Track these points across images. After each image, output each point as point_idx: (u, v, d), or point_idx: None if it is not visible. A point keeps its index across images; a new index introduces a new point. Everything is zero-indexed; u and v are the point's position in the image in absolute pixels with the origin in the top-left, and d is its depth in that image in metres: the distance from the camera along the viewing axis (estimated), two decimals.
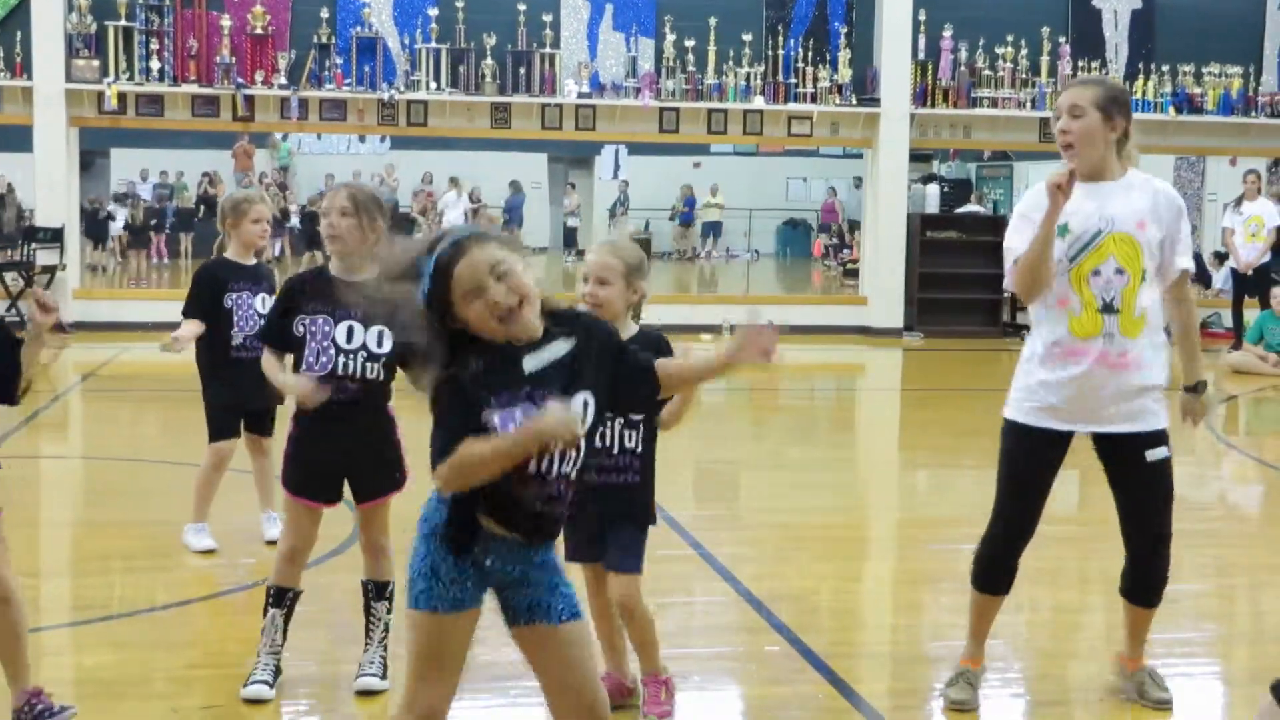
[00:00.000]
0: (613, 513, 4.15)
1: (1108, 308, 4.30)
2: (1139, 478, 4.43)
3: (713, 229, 31.89)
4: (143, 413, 11.00)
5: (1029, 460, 4.43)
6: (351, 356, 4.41)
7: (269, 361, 4.59)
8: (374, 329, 4.41)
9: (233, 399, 6.17)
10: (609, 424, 4.10)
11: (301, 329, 4.46)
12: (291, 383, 4.46)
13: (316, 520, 4.57)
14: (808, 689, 4.71)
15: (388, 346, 4.41)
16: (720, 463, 8.99)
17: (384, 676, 4.55)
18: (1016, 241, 4.36)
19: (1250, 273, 14.88)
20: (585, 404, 2.94)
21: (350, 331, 4.42)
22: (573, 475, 3.01)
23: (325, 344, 4.43)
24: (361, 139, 30.63)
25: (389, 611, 4.58)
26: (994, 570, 4.53)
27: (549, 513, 3.00)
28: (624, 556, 4.14)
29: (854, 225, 29.26)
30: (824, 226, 31.97)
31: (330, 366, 4.41)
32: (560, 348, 2.93)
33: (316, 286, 4.50)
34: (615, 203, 31.57)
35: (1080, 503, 7.69)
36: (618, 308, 4.09)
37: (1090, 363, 4.29)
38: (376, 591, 4.61)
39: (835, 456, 9.84)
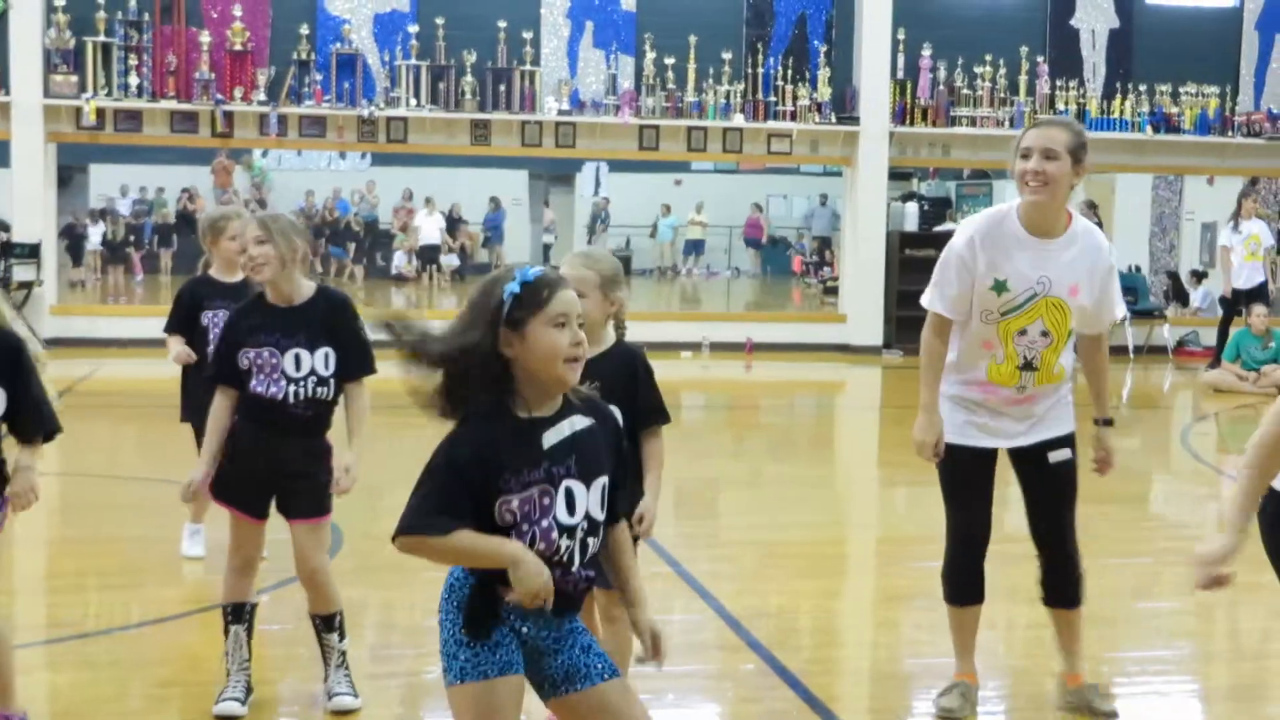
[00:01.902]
0: None
1: (1028, 365, 4.41)
2: (1042, 479, 4.52)
3: (695, 247, 31.92)
4: (119, 429, 10.94)
5: (963, 473, 4.52)
6: (301, 384, 4.45)
7: (220, 407, 4.51)
8: (320, 351, 4.45)
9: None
10: None
11: (246, 362, 4.46)
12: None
13: (259, 531, 4.58)
14: (781, 706, 4.72)
15: (334, 367, 4.46)
16: (699, 480, 8.99)
17: (356, 695, 4.54)
18: (939, 292, 4.42)
19: (1230, 293, 14.92)
20: (603, 489, 2.89)
21: (298, 359, 4.44)
22: (589, 567, 2.92)
23: (275, 375, 4.44)
24: (342, 155, 30.57)
25: (342, 639, 4.57)
26: (959, 581, 4.58)
27: (572, 592, 2.89)
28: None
29: (825, 242, 29.43)
30: (750, 241, 31.98)
31: (281, 396, 4.43)
32: (579, 422, 2.88)
33: (256, 319, 4.51)
34: (596, 219, 31.60)
35: None
36: (594, 319, 4.05)
37: (1000, 403, 4.47)
38: (324, 624, 4.57)
39: (814, 474, 9.86)
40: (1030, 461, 4.51)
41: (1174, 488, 9.65)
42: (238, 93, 15.38)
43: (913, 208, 18.47)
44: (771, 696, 4.80)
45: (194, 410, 5.98)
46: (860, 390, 15.06)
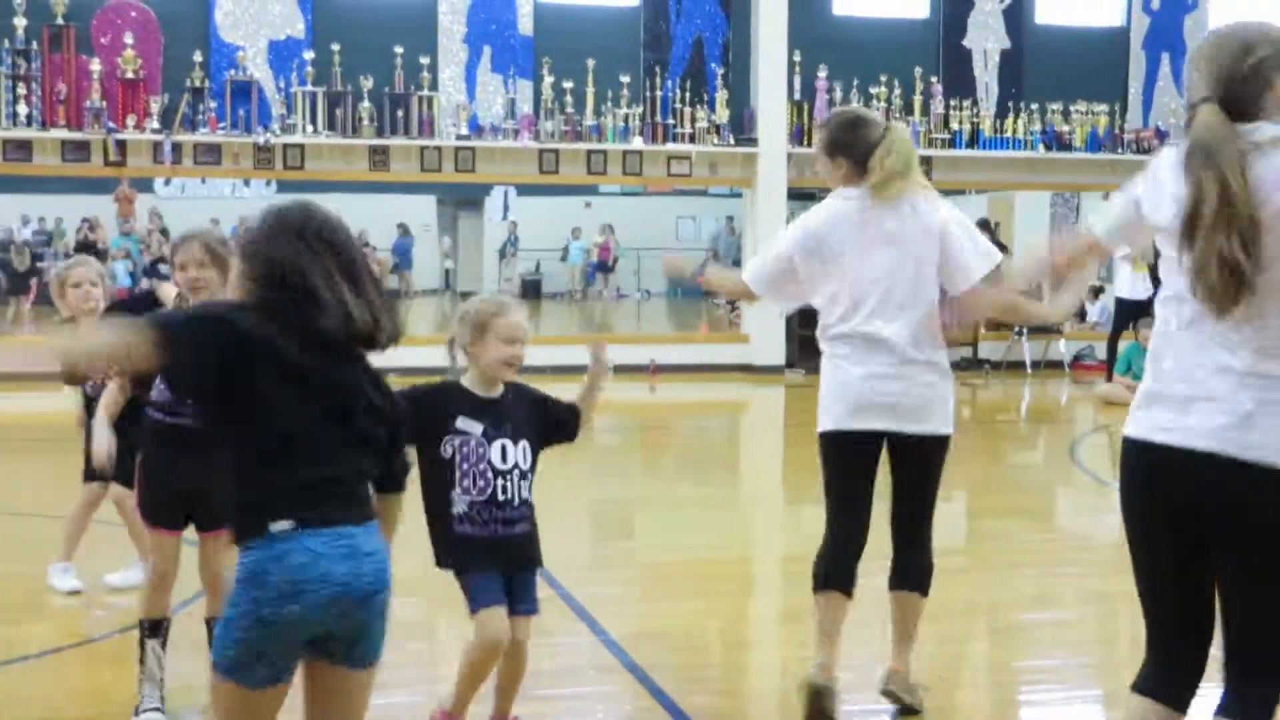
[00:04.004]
0: (519, 560, 4.27)
1: None
2: (913, 468, 4.67)
3: (603, 268, 31.98)
4: (14, 463, 10.72)
5: (847, 455, 4.68)
6: None
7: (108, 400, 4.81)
8: None
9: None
10: (509, 477, 4.18)
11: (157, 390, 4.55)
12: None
13: (178, 546, 4.64)
14: None
15: None
16: (604, 502, 8.98)
17: None
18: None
19: (1135, 304, 15.12)
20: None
21: None
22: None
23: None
24: (246, 183, 30.31)
25: None
26: (829, 567, 4.72)
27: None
28: (530, 601, 4.30)
29: (734, 264, 29.57)
30: (601, 265, 32.18)
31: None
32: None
33: None
34: (505, 244, 31.57)
35: (968, 535, 7.91)
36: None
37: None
38: None
39: (712, 495, 9.81)
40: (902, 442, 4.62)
41: (1071, 501, 9.80)
42: (130, 121, 15.20)
43: None
44: (645, 717, 4.81)
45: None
46: (764, 409, 15.15)
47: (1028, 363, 17.35)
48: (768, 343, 16.78)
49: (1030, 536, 8.16)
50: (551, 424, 4.36)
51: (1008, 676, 5.43)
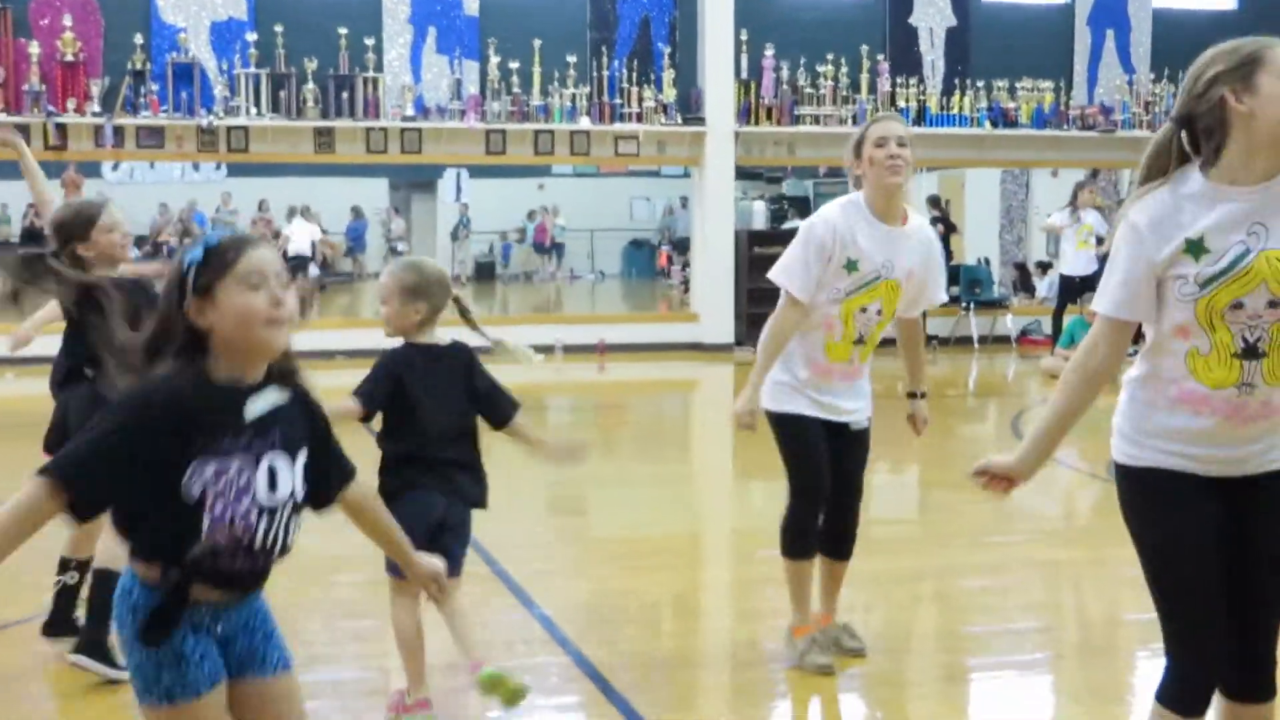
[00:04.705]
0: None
1: (859, 340, 4.90)
2: (847, 445, 4.99)
3: (555, 250, 31.93)
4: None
5: (804, 435, 4.92)
6: None
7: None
8: None
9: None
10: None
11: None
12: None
13: None
14: (577, 699, 4.78)
15: None
16: (551, 481, 8.92)
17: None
18: (799, 276, 4.78)
19: (1078, 280, 15.27)
20: (306, 463, 2.75)
21: None
22: (288, 540, 2.75)
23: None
24: (195, 166, 30.10)
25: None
26: (801, 534, 4.98)
27: (263, 571, 2.76)
28: (452, 560, 4.25)
29: (686, 243, 29.61)
30: (537, 245, 32.17)
31: None
32: (276, 396, 2.72)
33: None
34: (457, 225, 31.47)
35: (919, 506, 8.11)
36: (397, 324, 4.42)
37: (836, 379, 4.93)
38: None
39: (661, 472, 9.83)
40: (838, 431, 4.96)
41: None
42: (71, 104, 15.05)
43: (760, 206, 18.70)
44: (569, 690, 4.85)
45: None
46: (713, 387, 15.19)
47: (975, 338, 17.46)
48: (717, 321, 16.82)
49: (977, 507, 8.24)
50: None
51: (955, 642, 5.52)
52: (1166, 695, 3.11)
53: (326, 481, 2.88)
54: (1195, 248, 2.95)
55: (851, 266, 4.74)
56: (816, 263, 4.73)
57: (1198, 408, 3.02)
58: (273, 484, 2.66)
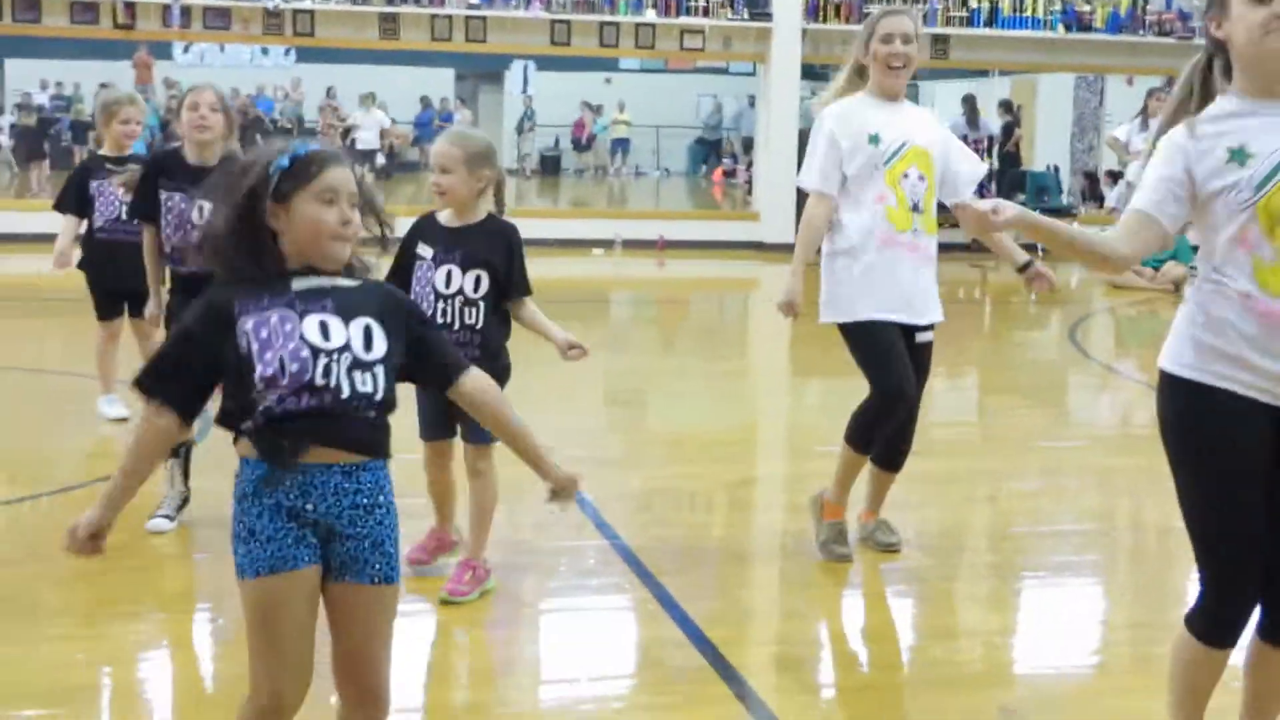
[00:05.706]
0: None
1: (915, 207, 4.93)
2: (912, 353, 4.97)
3: (621, 145, 31.73)
4: (30, 326, 10.81)
5: (882, 338, 4.91)
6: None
7: (149, 246, 5.30)
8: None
9: (100, 279, 6.72)
10: (450, 300, 4.41)
11: (158, 202, 5.17)
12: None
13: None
14: (609, 580, 4.87)
15: None
16: (600, 373, 8.98)
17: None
18: (813, 171, 4.94)
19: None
20: (368, 329, 2.75)
21: (203, 211, 4.71)
22: (378, 390, 2.75)
23: (184, 220, 5.06)
24: (264, 51, 30.13)
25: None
26: (868, 432, 5.00)
27: (342, 413, 2.73)
28: (476, 429, 4.32)
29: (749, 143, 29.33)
30: (574, 141, 31.94)
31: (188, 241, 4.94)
32: (344, 281, 2.80)
33: (173, 167, 5.21)
34: (522, 118, 31.32)
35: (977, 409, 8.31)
36: (460, 194, 4.46)
37: (905, 251, 4.90)
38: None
39: (715, 368, 9.77)
40: (908, 337, 4.97)
41: (1073, 380, 9.91)
42: None
43: None
44: (608, 572, 4.94)
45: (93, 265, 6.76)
46: (772, 287, 15.09)
47: (1040, 245, 17.22)
48: (778, 221, 16.69)
49: (1033, 413, 8.27)
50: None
51: (1004, 542, 5.59)
52: (1195, 623, 3.05)
53: (425, 365, 2.90)
54: (1239, 155, 2.92)
55: (874, 140, 4.85)
56: (831, 151, 4.87)
57: (1265, 320, 2.89)
58: (325, 334, 2.71)
